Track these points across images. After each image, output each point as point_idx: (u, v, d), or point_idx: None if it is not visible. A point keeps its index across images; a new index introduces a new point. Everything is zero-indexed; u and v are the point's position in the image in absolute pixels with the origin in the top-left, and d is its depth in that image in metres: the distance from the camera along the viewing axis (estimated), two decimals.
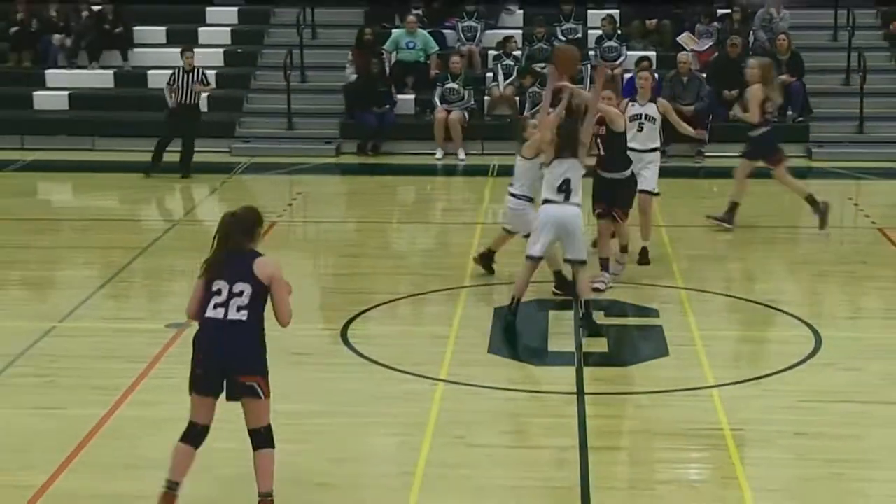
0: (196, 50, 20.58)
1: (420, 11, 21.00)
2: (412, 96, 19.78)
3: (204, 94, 17.99)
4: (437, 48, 20.15)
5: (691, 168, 17.84)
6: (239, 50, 21.07)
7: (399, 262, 13.33)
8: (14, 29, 20.58)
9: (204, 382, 6.93)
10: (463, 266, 12.45)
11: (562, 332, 10.59)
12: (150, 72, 20.30)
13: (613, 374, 9.70)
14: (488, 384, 9.28)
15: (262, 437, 6.98)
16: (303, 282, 12.53)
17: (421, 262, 13.21)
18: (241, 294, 6.86)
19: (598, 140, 11.33)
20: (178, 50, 19.83)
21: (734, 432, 8.33)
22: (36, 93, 20.01)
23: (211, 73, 20.30)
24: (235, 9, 21.85)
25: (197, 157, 18.53)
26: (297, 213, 15.99)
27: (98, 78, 20.32)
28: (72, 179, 17.71)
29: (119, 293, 11.99)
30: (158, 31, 21.13)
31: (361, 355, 9.92)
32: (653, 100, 12.52)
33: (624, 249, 11.97)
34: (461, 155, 18.74)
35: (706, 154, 18.36)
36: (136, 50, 20.69)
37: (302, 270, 13.04)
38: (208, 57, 20.66)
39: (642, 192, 12.14)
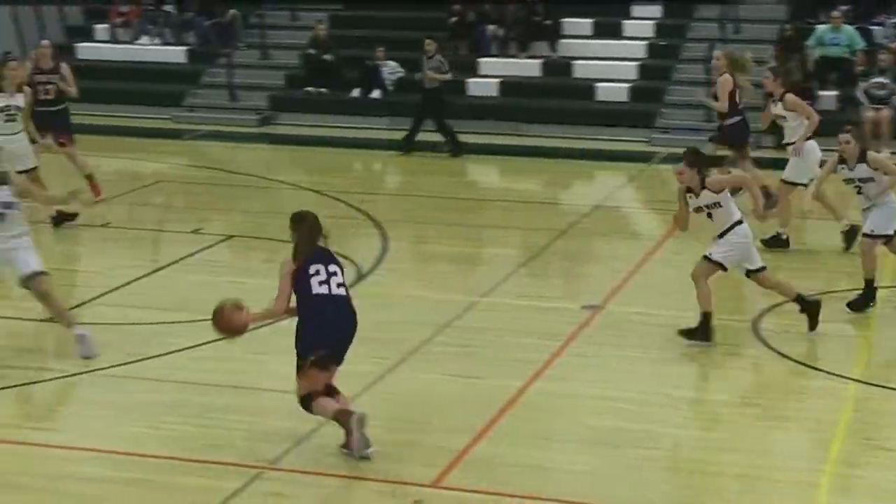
0: (619, 42, 21.12)
1: (847, 7, 20.41)
2: (835, 92, 19.27)
3: (441, 78, 18.35)
4: (864, 44, 19.52)
5: None
6: (662, 43, 21.23)
7: (812, 258, 13.01)
8: (453, 19, 21.69)
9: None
10: (879, 267, 12.04)
11: None
12: (576, 62, 20.83)
13: None
14: None
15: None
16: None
17: (835, 259, 12.84)
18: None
19: None
20: (604, 42, 20.21)
21: None
22: (470, 80, 20.92)
23: (632, 65, 20.70)
24: (660, 5, 22.00)
25: (614, 146, 18.85)
26: None
27: (527, 67, 21.01)
28: (498, 162, 18.32)
29: (538, 272, 12.41)
30: (585, 24, 21.57)
31: (772, 349, 9.86)
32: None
33: None
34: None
35: None
36: (563, 41, 21.25)
37: None
38: (632, 49, 21.01)
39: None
